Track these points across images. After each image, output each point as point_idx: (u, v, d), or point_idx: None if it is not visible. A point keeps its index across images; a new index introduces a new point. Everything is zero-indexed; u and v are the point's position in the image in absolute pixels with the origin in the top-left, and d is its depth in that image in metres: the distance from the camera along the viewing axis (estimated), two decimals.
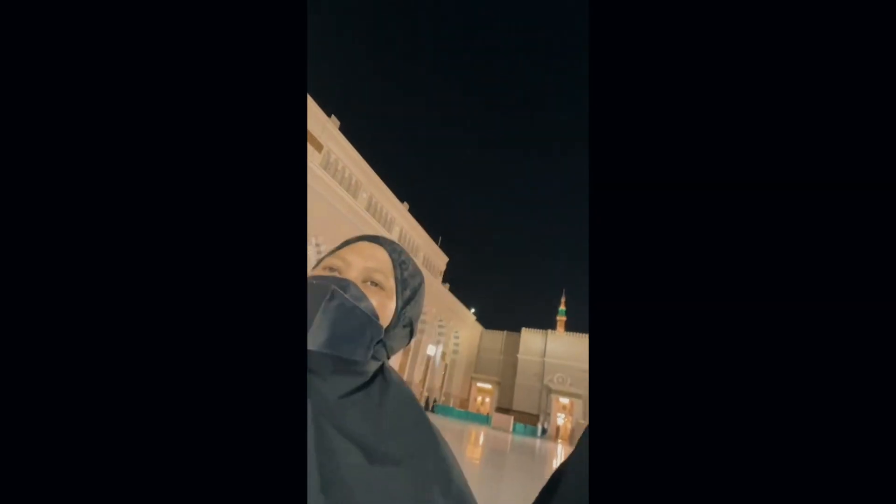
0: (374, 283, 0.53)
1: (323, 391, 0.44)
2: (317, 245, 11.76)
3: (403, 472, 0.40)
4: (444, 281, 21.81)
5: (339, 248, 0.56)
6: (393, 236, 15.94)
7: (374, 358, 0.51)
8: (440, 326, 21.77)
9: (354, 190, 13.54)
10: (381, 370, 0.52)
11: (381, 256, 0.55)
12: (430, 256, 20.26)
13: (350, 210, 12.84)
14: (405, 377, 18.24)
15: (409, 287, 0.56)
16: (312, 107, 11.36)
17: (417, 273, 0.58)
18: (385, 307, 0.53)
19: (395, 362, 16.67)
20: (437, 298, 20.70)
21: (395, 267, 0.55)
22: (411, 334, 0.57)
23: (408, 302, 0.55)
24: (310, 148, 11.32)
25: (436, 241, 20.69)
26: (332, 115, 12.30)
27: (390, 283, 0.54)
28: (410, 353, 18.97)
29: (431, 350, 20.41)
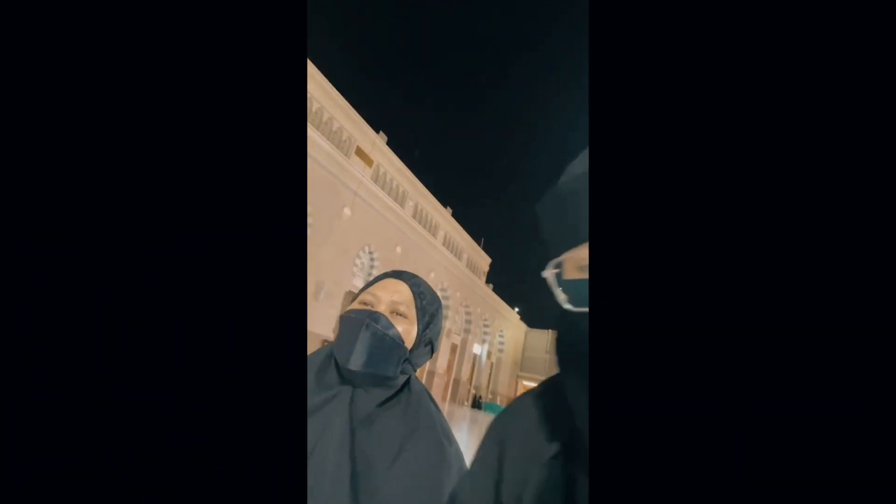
0: (399, 314, 0.64)
1: (366, 400, 0.59)
2: (370, 253, 12.67)
3: (414, 462, 0.54)
4: (487, 282, 22.26)
5: (369, 284, 0.68)
6: (437, 240, 16.63)
7: (403, 373, 0.64)
8: (485, 326, 22.26)
9: (402, 199, 14.36)
10: (408, 382, 0.66)
11: (403, 290, 0.66)
12: (473, 258, 20.77)
13: (399, 219, 13.67)
14: (454, 375, 18.94)
15: (427, 313, 0.67)
16: (362, 124, 12.25)
17: (435, 300, 0.70)
18: (409, 332, 0.64)
19: (443, 361, 17.43)
20: (481, 299, 21.20)
21: (415, 298, 0.66)
22: (432, 351, 0.69)
23: (427, 326, 0.67)
24: (361, 163, 12.23)
25: (478, 242, 21.17)
26: (381, 132, 13.16)
27: (412, 313, 0.65)
28: (458, 353, 19.65)
29: (477, 349, 20.97)
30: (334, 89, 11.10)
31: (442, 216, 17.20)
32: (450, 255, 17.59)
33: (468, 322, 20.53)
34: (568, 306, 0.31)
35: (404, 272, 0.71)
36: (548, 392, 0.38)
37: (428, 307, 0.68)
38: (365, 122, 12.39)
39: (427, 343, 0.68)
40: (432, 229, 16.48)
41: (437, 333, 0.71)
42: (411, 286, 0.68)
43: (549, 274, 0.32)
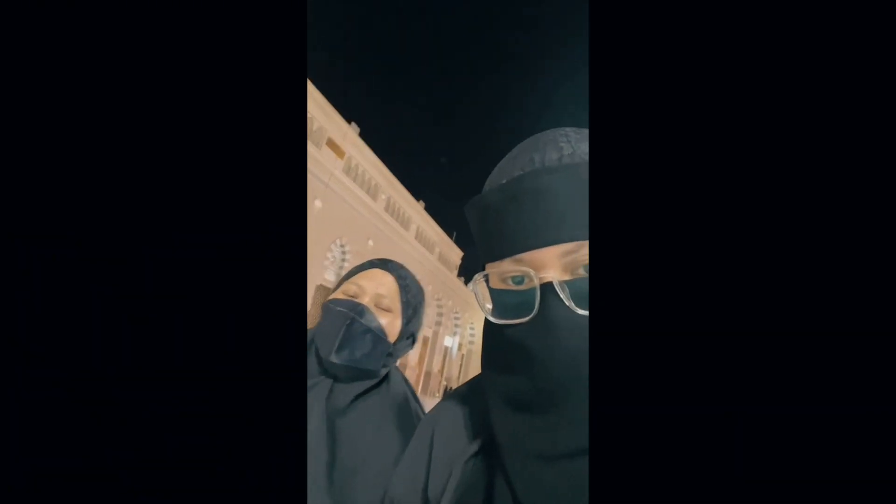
0: (383, 308, 0.64)
1: (345, 392, 0.60)
2: (342, 246, 12.52)
3: (388, 446, 0.56)
4: (458, 275, 22.45)
5: (354, 272, 0.68)
6: (409, 234, 16.61)
7: (384, 366, 0.65)
8: (456, 319, 22.48)
9: (374, 192, 14.22)
10: (388, 374, 0.67)
11: (388, 283, 0.66)
12: (445, 252, 20.88)
13: (371, 212, 13.55)
14: (425, 367, 19.06)
15: (411, 306, 0.68)
16: (333, 114, 12.02)
17: (419, 292, 0.70)
18: (393, 325, 0.65)
19: (415, 353, 17.48)
20: (453, 292, 21.38)
21: (400, 291, 0.67)
22: (413, 342, 0.70)
23: (410, 319, 0.67)
24: (332, 155, 12.01)
25: (450, 236, 21.29)
26: (353, 122, 12.95)
27: (397, 306, 0.66)
28: (430, 345, 19.77)
29: (448, 341, 21.18)
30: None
31: (414, 210, 17.16)
32: (422, 248, 17.60)
33: (440, 315, 20.66)
34: (490, 317, 0.32)
35: (390, 262, 0.71)
36: (474, 390, 0.39)
37: (412, 300, 0.68)
38: (336, 113, 12.16)
39: (409, 336, 0.69)
40: (405, 223, 16.43)
41: (419, 325, 0.71)
42: (397, 278, 0.68)
43: (473, 285, 0.34)
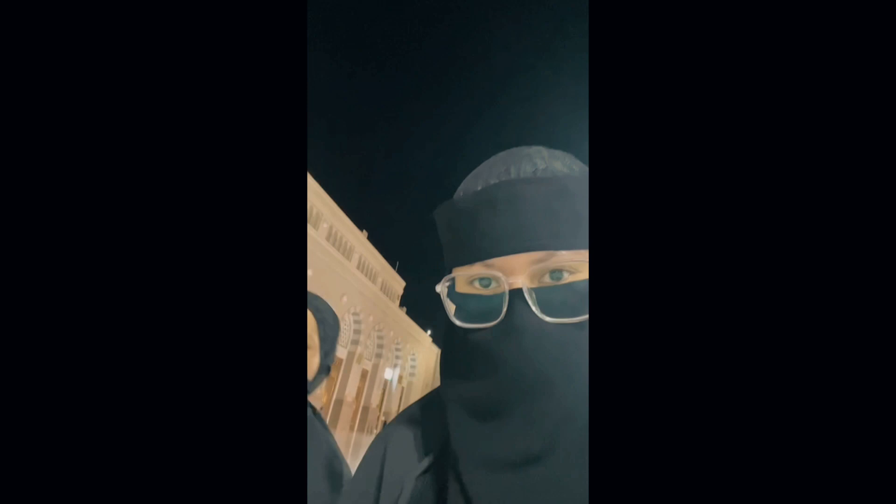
0: None
1: None
2: None
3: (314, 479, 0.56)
4: (401, 304, 22.35)
5: None
6: (352, 263, 16.42)
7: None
8: (397, 350, 22.15)
9: (315, 220, 14.03)
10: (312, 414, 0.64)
11: (308, 320, 0.63)
12: (387, 281, 20.78)
13: (311, 241, 13.30)
14: (362, 403, 18.38)
15: (328, 341, 0.65)
16: None
17: (335, 323, 0.67)
18: (312, 362, 0.63)
19: (352, 387, 16.87)
20: (395, 322, 21.16)
21: (318, 326, 0.64)
22: (328, 373, 0.68)
23: (328, 353, 0.65)
24: None
25: (393, 266, 21.31)
26: None
27: (315, 342, 0.63)
28: (368, 378, 19.18)
29: (389, 374, 20.70)
30: None
31: (357, 239, 17.08)
32: (364, 278, 17.40)
33: (380, 347, 20.25)
34: (456, 321, 0.32)
35: (311, 294, 0.69)
36: (427, 407, 0.39)
37: (330, 332, 0.67)
38: None
39: (326, 369, 0.67)
40: (346, 252, 16.25)
41: (333, 355, 0.69)
42: (314, 311, 0.66)
43: (441, 288, 0.33)
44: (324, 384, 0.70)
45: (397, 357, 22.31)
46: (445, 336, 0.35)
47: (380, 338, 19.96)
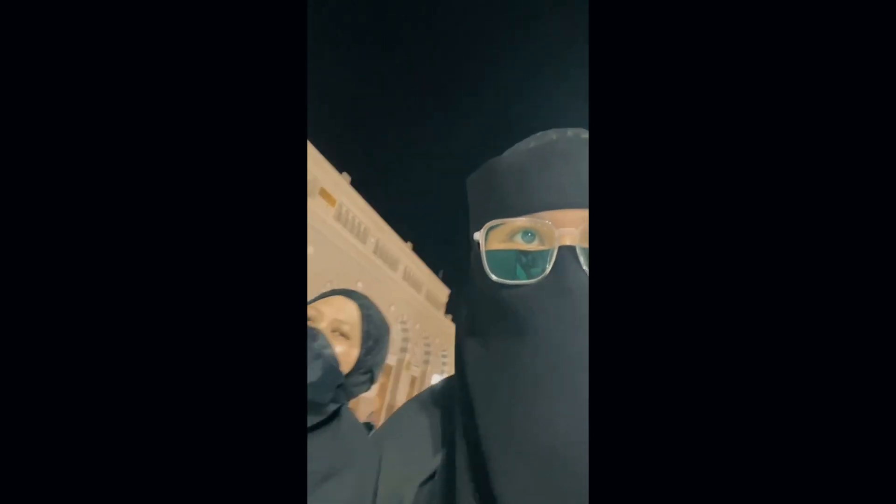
0: (342, 334, 0.62)
1: None
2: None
3: (341, 480, 0.49)
4: (446, 312, 22.93)
5: (316, 299, 0.65)
6: (398, 274, 17.26)
7: (334, 401, 0.60)
8: (444, 357, 22.72)
9: (363, 235, 14.99)
10: (339, 411, 0.61)
11: (350, 309, 0.64)
12: (432, 290, 21.46)
13: (360, 255, 14.27)
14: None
15: (372, 338, 0.65)
16: (326, 166, 12.98)
17: (383, 325, 0.67)
18: (349, 355, 0.62)
19: (402, 393, 17.60)
20: (441, 330, 21.77)
21: (362, 320, 0.64)
22: (371, 380, 0.66)
23: (369, 351, 0.64)
24: (324, 203, 12.85)
25: (437, 274, 21.98)
26: (344, 172, 13.93)
27: (356, 334, 0.63)
28: (417, 385, 19.86)
29: (436, 380, 21.23)
30: None
31: (402, 251, 17.91)
32: (410, 288, 18.19)
33: (427, 354, 20.91)
34: (491, 274, 0.29)
35: (355, 292, 0.69)
36: (436, 398, 0.35)
37: (374, 331, 0.65)
38: (328, 163, 13.13)
39: (367, 371, 0.65)
40: (392, 264, 17.12)
41: (380, 363, 0.67)
42: (360, 307, 0.66)
43: (480, 236, 0.30)
44: (371, 389, 0.66)
45: (444, 363, 22.87)
46: (471, 298, 0.32)
47: (427, 345, 20.62)
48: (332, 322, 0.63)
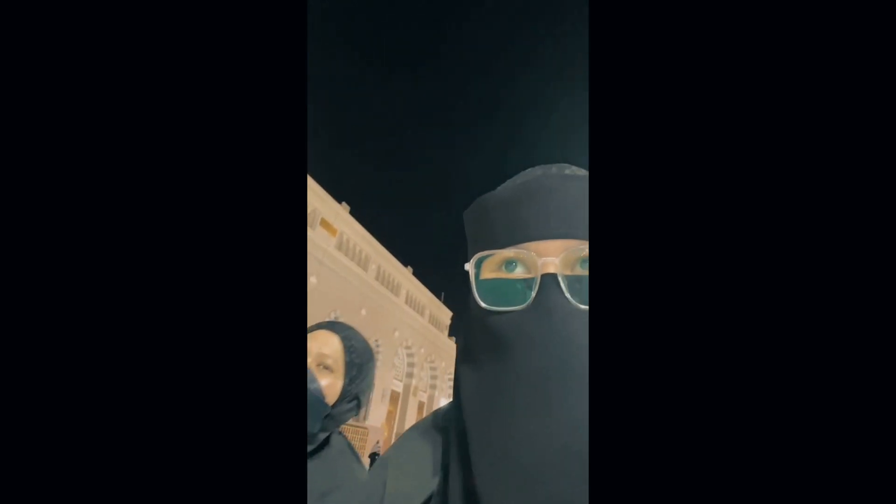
0: (325, 367, 0.65)
1: None
2: (336, 318, 13.24)
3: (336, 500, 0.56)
4: (449, 335, 22.92)
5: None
6: (400, 299, 17.40)
7: (323, 430, 0.64)
8: (451, 380, 22.51)
9: (364, 263, 15.23)
10: (329, 439, 0.66)
11: (333, 342, 0.68)
12: (435, 313, 21.53)
13: (362, 282, 14.47)
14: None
15: (355, 366, 0.68)
16: (326, 197, 13.35)
17: (366, 353, 0.71)
18: (334, 386, 0.66)
19: (411, 419, 17.44)
20: (445, 352, 21.71)
21: (345, 351, 0.68)
22: (358, 406, 0.70)
23: (353, 380, 0.68)
24: (325, 233, 13.15)
25: (438, 297, 22.10)
26: (343, 202, 14.30)
27: (340, 366, 0.67)
28: (424, 410, 19.68)
29: (443, 403, 21.01)
30: None
31: (403, 276, 18.12)
32: (413, 312, 18.28)
33: (433, 378, 20.80)
34: (482, 303, 0.31)
35: (338, 323, 0.71)
36: (435, 423, 0.38)
37: (357, 359, 0.68)
38: (328, 195, 13.51)
39: (352, 398, 0.68)
40: (394, 289, 17.29)
41: (366, 388, 0.69)
42: (343, 338, 0.68)
43: (470, 266, 0.33)
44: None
45: (451, 387, 22.64)
46: (466, 324, 0.35)
47: (433, 369, 20.54)
48: (317, 356, 0.66)
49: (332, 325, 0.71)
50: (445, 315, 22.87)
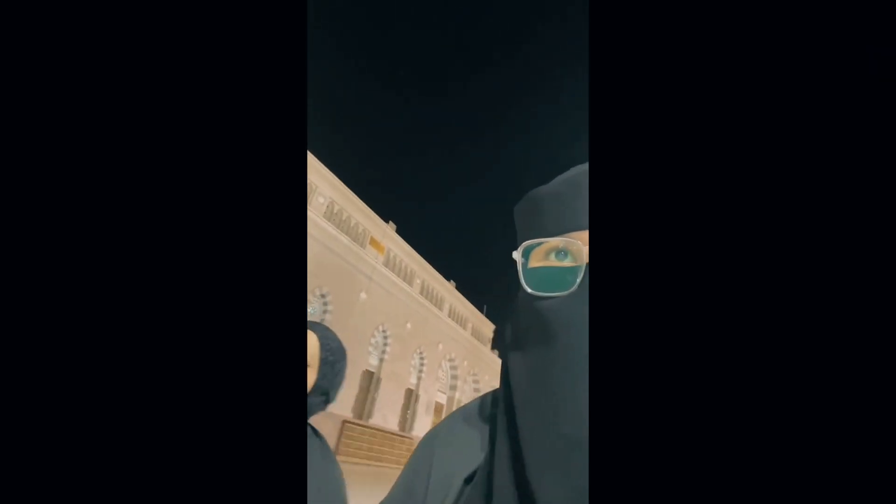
0: None
1: None
2: (383, 332, 14.00)
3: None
4: (492, 348, 23.08)
5: None
6: (443, 312, 17.96)
7: None
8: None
9: (410, 278, 15.99)
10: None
11: (311, 341, 0.71)
12: (477, 326, 21.86)
13: (408, 296, 15.21)
14: None
15: (328, 363, 0.72)
16: (375, 218, 14.30)
17: (339, 351, 0.75)
18: (307, 380, 0.69)
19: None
20: (487, 366, 21.92)
21: (321, 348, 0.71)
22: (327, 401, 0.74)
23: (325, 376, 0.71)
24: (374, 251, 14.05)
25: (481, 310, 22.43)
26: (390, 221, 15.23)
27: (315, 362, 0.70)
28: None
29: None
30: (349, 190, 13.22)
31: (446, 289, 18.69)
32: (455, 325, 18.75)
33: (476, 391, 20.96)
34: (527, 287, 0.32)
35: (318, 324, 0.75)
36: (483, 404, 0.39)
37: (330, 357, 0.73)
38: (376, 215, 14.45)
39: (322, 393, 0.72)
40: (438, 302, 17.89)
41: (336, 385, 0.74)
42: (320, 338, 0.73)
43: (518, 255, 0.34)
44: (322, 409, 0.73)
45: None
46: (514, 311, 0.36)
47: (475, 382, 20.79)
48: None
49: (312, 326, 0.76)
50: (488, 328, 23.07)
